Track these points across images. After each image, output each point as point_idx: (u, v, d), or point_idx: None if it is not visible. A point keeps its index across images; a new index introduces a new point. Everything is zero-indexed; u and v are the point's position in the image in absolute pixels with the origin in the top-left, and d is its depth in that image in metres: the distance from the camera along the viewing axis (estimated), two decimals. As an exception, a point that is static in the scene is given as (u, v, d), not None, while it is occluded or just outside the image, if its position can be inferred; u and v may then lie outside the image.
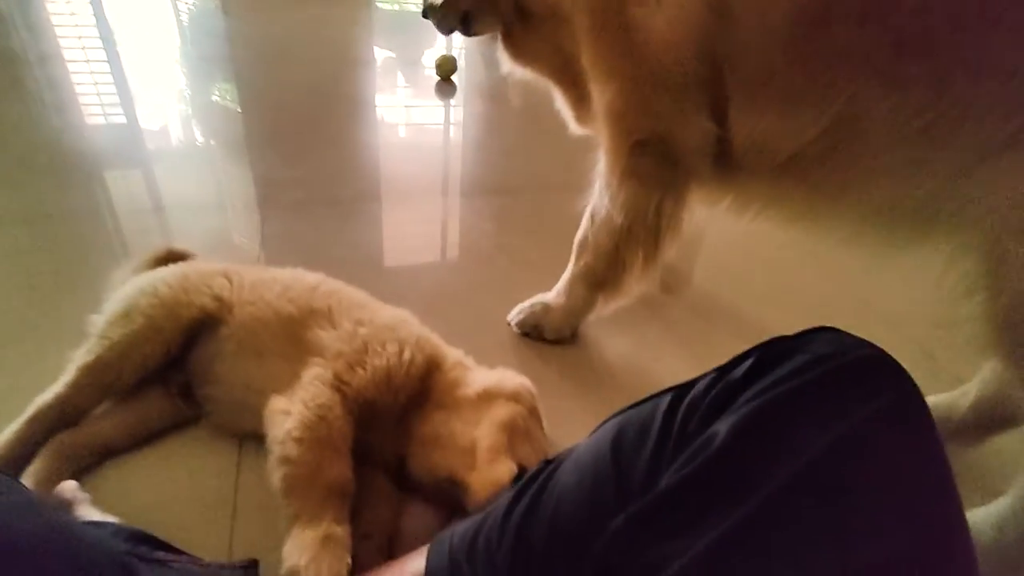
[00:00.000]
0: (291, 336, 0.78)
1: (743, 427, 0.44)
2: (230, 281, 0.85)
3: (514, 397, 0.76)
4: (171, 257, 1.02)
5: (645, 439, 0.51)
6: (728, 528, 0.40)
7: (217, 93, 2.17)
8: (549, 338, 1.09)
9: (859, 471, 0.40)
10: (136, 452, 0.82)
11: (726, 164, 0.87)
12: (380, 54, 2.78)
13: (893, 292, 1.35)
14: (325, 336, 0.76)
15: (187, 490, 0.79)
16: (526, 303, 1.13)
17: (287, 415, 0.66)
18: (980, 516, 0.74)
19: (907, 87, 0.69)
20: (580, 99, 0.98)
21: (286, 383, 0.71)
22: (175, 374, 0.84)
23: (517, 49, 1.02)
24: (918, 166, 0.72)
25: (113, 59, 2.30)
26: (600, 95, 0.89)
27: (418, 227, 1.50)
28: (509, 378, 0.80)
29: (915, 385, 0.44)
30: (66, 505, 0.69)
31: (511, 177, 1.73)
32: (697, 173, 0.88)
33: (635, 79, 0.83)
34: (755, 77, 0.77)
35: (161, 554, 0.59)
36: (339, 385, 0.70)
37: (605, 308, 1.05)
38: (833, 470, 0.40)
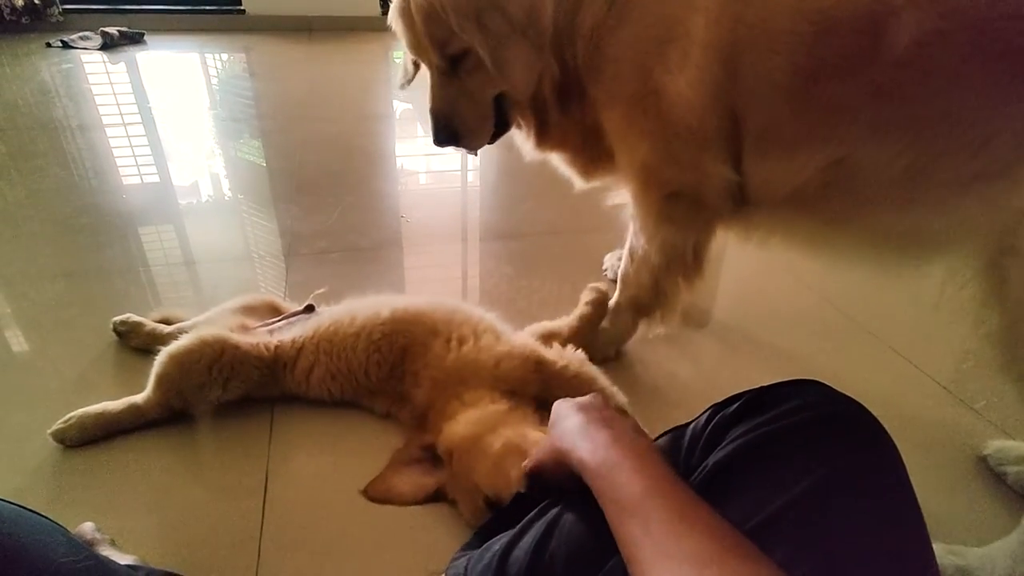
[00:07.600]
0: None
1: (727, 462, 0.48)
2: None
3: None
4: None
5: None
6: None
7: (244, 150, 2.27)
8: (596, 358, 1.10)
9: (836, 513, 0.42)
10: (160, 493, 0.84)
11: (740, 202, 0.97)
12: (399, 107, 2.89)
13: (895, 313, 1.33)
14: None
15: (212, 531, 0.79)
16: None
17: None
18: (996, 548, 0.79)
19: (887, 132, 0.80)
20: (590, 159, 1.09)
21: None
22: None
23: (548, 137, 1.07)
24: (905, 200, 0.83)
25: (149, 124, 2.43)
26: (631, 154, 0.98)
27: (439, 271, 1.53)
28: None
29: (892, 442, 0.47)
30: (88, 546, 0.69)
31: (528, 222, 1.76)
32: (721, 213, 0.98)
33: (665, 138, 0.92)
34: (765, 127, 0.87)
35: None
36: None
37: (649, 333, 1.17)
38: (812, 509, 0.42)
